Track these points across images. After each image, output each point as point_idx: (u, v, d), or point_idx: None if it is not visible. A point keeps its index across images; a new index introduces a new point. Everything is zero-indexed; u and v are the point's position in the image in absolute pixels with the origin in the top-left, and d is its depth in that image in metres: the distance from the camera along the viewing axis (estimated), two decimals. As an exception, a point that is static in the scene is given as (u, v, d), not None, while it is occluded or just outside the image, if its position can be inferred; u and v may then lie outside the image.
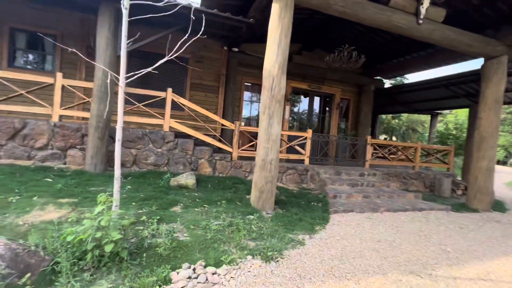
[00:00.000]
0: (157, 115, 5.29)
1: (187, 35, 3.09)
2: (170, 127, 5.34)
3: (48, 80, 4.67)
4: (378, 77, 9.85)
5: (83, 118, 5.48)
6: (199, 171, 5.49)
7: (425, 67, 8.42)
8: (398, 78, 17.20)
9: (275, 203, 4.26)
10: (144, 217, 3.00)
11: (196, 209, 3.63)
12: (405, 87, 9.57)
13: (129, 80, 2.78)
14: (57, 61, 6.19)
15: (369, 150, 6.96)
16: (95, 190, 3.76)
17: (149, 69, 2.91)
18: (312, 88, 8.48)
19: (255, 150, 4.35)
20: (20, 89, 4.57)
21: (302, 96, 9.24)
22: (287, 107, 8.10)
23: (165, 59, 2.95)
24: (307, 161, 6.34)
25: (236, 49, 7.51)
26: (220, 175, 5.63)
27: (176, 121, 5.38)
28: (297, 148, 6.30)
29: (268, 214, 3.87)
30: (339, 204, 4.66)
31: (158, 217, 3.09)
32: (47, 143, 4.63)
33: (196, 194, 4.25)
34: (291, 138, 6.75)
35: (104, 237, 2.18)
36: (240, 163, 5.76)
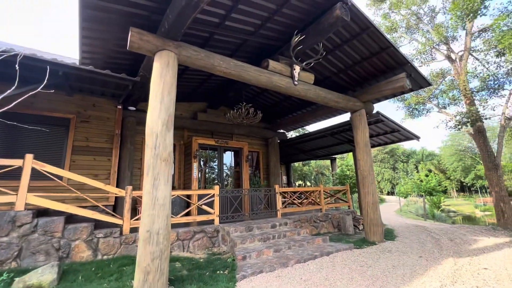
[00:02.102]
0: (7, 190, 3.98)
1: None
2: (27, 204, 4.06)
3: None
4: (280, 130, 10.93)
5: None
6: (71, 258, 4.18)
7: (313, 120, 9.88)
8: (301, 130, 19.83)
9: (171, 283, 3.47)
10: None
11: (39, 324, 2.50)
12: (303, 137, 10.85)
13: None
14: None
15: (279, 199, 7.08)
16: None
17: None
18: (219, 143, 8.54)
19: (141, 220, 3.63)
20: None
21: (214, 152, 9.16)
22: (195, 164, 7.73)
23: None
24: (217, 220, 5.83)
25: (133, 108, 7.04)
26: (105, 257, 4.43)
27: (38, 195, 4.16)
28: (205, 207, 5.79)
29: (156, 302, 3.04)
30: (247, 266, 4.20)
31: None
32: None
33: (52, 297, 3.04)
34: (201, 197, 6.23)
35: None
36: (134, 236, 4.75)
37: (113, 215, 4.76)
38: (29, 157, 4.19)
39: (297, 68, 5.63)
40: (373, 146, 9.50)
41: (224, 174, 9.05)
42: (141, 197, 5.10)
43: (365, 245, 5.87)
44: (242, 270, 4.02)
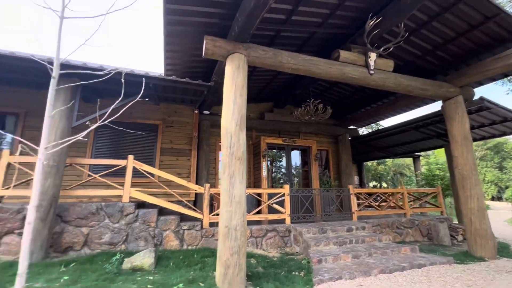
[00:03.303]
0: (115, 185, 4.84)
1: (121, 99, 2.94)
2: (131, 197, 4.84)
3: (-9, 158, 4.31)
4: (351, 126, 10.11)
5: (23, 197, 4.93)
6: (163, 246, 4.77)
7: (391, 113, 8.76)
8: (374, 125, 17.98)
9: (248, 278, 3.56)
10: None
11: (143, 301, 2.90)
12: (378, 133, 9.77)
13: (51, 151, 2.47)
14: (17, 138, 5.93)
15: (354, 200, 6.52)
16: (17, 289, 3.01)
17: (78, 136, 2.63)
18: (287, 142, 8.46)
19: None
20: (-43, 172, 4.14)
21: (282, 151, 9.17)
22: (264, 163, 7.86)
23: (94, 126, 2.71)
24: (288, 220, 5.76)
25: (207, 112, 7.64)
26: (189, 247, 4.90)
27: (138, 190, 4.92)
28: (276, 206, 5.80)
29: (236, 295, 3.15)
30: (324, 270, 3.96)
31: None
32: (-22, 231, 3.97)
33: (151, 278, 3.51)
34: (270, 196, 6.29)
35: None
36: (212, 231, 5.12)
37: (194, 210, 5.23)
38: (131, 158, 4.99)
39: (372, 56, 5.06)
40: (474, 140, 7.77)
41: (292, 174, 8.92)
42: (217, 194, 5.47)
43: (470, 261, 4.82)
44: (318, 274, 3.81)
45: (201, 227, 5.09)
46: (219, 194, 5.43)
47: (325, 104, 7.32)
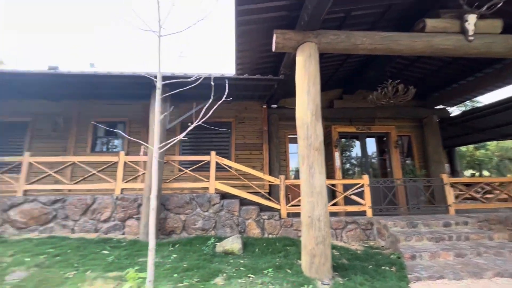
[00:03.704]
0: (203, 178, 5.46)
1: (221, 100, 3.25)
2: (216, 189, 5.39)
3: (113, 159, 5.44)
4: (439, 106, 8.69)
5: (141, 189, 6.00)
6: (247, 233, 5.16)
7: (496, 86, 7.12)
8: (468, 103, 14.98)
9: (334, 269, 3.53)
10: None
11: (239, 281, 3.22)
12: (478, 111, 8.10)
13: (163, 149, 2.95)
14: (125, 142, 7.33)
15: (449, 191, 5.64)
16: (142, 261, 3.76)
17: (180, 137, 3.06)
18: (360, 130, 7.89)
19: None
20: (93, 170, 5.39)
21: (354, 140, 8.63)
22: (337, 154, 7.54)
23: (191, 127, 3.10)
24: (369, 212, 5.42)
25: (275, 106, 7.77)
26: (270, 236, 5.16)
27: (221, 182, 5.43)
28: (354, 198, 5.53)
29: (324, 284, 3.17)
30: (420, 267, 3.59)
31: (196, 292, 2.80)
32: (110, 215, 5.09)
33: (242, 261, 3.86)
34: (347, 187, 6.04)
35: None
36: (290, 221, 5.24)
37: (272, 201, 5.45)
38: (213, 154, 5.54)
39: (471, 18, 4.20)
40: None
41: (368, 163, 8.29)
42: (292, 185, 5.55)
43: None
44: (413, 270, 3.49)
45: (279, 217, 5.27)
46: (294, 186, 5.52)
47: (405, 84, 6.49)
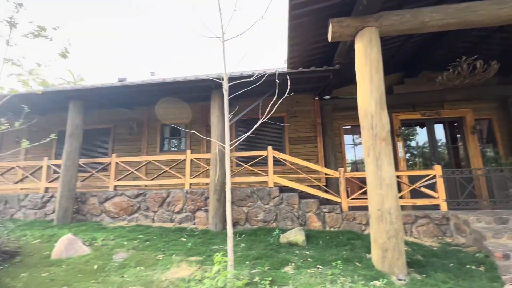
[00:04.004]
0: (261, 172, 5.68)
1: (275, 96, 3.37)
2: (274, 183, 5.55)
3: (181, 157, 6.04)
4: (530, 82, 7.27)
5: (206, 184, 6.54)
6: (307, 226, 5.20)
7: None
8: None
9: (408, 265, 3.35)
10: (257, 278, 2.97)
11: (308, 271, 3.31)
12: None
13: (233, 146, 3.19)
14: (188, 141, 8.03)
15: (551, 182, 4.75)
16: (216, 249, 4.14)
17: (248, 134, 3.26)
18: (427, 116, 7.13)
19: (368, 198, 3.78)
20: (165, 167, 6.08)
21: (418, 128, 7.86)
22: (400, 143, 6.98)
23: (258, 123, 3.26)
24: (444, 206, 4.92)
25: (327, 97, 7.56)
26: (331, 229, 5.11)
27: (279, 176, 5.57)
28: (424, 190, 5.08)
29: (400, 279, 3.04)
30: (517, 268, 3.15)
31: (270, 279, 2.98)
32: (182, 207, 5.70)
33: (307, 253, 3.94)
34: (413, 179, 5.59)
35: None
36: (353, 214, 5.10)
37: (331, 193, 5.37)
38: (270, 148, 5.71)
39: None
40: None
41: (437, 152, 7.46)
42: (351, 178, 5.38)
43: None
44: (508, 271, 3.08)
45: (341, 211, 5.17)
46: (353, 178, 5.35)
47: (484, 60, 5.62)
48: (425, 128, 7.59)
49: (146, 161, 6.35)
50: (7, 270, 3.41)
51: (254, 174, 5.93)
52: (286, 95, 3.51)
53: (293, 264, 3.52)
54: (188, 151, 6.03)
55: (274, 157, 5.68)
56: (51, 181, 6.51)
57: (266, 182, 5.65)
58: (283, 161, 5.80)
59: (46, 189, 6.49)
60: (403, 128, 7.24)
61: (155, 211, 5.77)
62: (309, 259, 3.67)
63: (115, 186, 6.20)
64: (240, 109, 6.11)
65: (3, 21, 4.88)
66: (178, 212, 5.68)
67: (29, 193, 6.44)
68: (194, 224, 5.58)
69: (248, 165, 5.76)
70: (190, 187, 5.89)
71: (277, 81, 3.50)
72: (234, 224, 5.46)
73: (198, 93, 6.43)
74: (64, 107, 6.52)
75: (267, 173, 5.62)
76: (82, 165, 6.27)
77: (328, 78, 5.69)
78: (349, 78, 6.68)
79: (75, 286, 3.01)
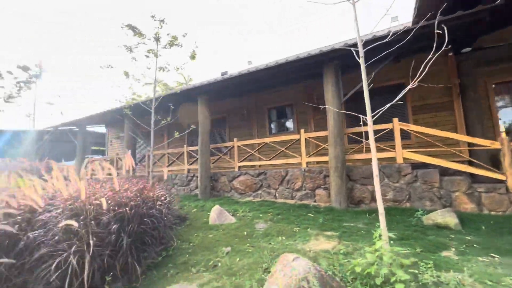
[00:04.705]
0: (387, 148, 5.12)
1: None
2: (404, 158, 4.91)
3: (295, 137, 6.18)
4: None
5: (318, 162, 6.49)
6: (454, 207, 4.38)
7: None
8: None
9: None
10: (413, 259, 2.71)
11: (479, 258, 2.77)
12: None
13: (375, 117, 2.94)
14: (295, 122, 8.15)
15: None
16: (348, 225, 4.07)
17: (393, 102, 2.92)
18: None
19: None
20: (281, 147, 6.39)
21: None
22: None
23: (408, 88, 2.86)
24: None
25: (467, 49, 5.94)
26: (491, 213, 4.11)
27: (409, 151, 4.87)
28: None
29: None
30: None
31: (431, 262, 2.66)
32: (301, 185, 5.88)
33: (468, 238, 3.32)
34: None
35: (388, 274, 2.16)
36: (527, 195, 3.92)
37: (490, 170, 4.28)
38: (395, 120, 5.04)
39: None
40: None
41: None
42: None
43: None
44: None
45: (507, 191, 4.07)
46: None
47: None
48: None
49: (263, 143, 6.84)
50: (184, 230, 4.45)
51: (380, 150, 5.41)
52: (438, 50, 2.90)
53: (453, 249, 3.04)
54: (302, 131, 6.09)
55: (401, 129, 4.99)
56: (190, 164, 8.02)
57: (391, 158, 5.07)
58: (415, 133, 5.01)
59: (188, 170, 8.06)
60: None
61: (276, 189, 6.21)
62: (474, 245, 3.08)
63: (239, 167, 7.02)
64: (349, 82, 5.62)
65: (151, 38, 6.17)
66: (298, 190, 5.91)
67: (177, 174, 8.18)
68: (315, 201, 5.67)
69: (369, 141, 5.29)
70: (307, 166, 5.99)
71: (438, 31, 2.93)
72: (358, 202, 5.22)
73: (307, 71, 6.31)
74: (188, 103, 7.82)
75: (392, 148, 5.02)
76: (212, 149, 7.39)
77: (483, 20, 4.40)
78: (501, 21, 5.02)
79: (235, 247, 3.60)
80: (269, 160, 6.59)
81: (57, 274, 2.29)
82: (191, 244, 3.84)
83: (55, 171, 2.63)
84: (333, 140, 5.23)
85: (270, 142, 6.68)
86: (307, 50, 8.55)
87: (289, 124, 8.49)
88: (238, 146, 7.09)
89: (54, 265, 2.30)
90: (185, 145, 8.31)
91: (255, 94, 8.81)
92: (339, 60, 5.40)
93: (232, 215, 4.88)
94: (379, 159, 5.66)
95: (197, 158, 7.65)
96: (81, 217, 2.67)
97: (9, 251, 2.65)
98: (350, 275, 2.42)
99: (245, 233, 4.05)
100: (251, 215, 4.83)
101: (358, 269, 2.32)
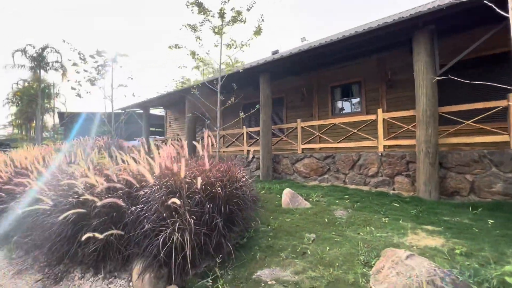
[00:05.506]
0: (496, 130, 4.21)
1: None
2: (523, 144, 3.98)
3: (371, 117, 5.53)
4: None
5: (401, 146, 5.76)
6: None
7: None
8: None
9: None
10: None
11: None
12: None
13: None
14: (363, 101, 7.38)
15: None
16: (449, 220, 3.50)
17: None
18: None
19: None
20: (352, 129, 5.83)
21: None
22: None
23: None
24: None
25: None
26: None
27: (531, 134, 3.92)
28: None
29: None
30: None
31: None
32: (377, 171, 5.32)
33: None
34: None
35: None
36: None
37: None
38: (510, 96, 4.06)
39: None
40: None
41: None
42: None
43: None
44: None
45: None
46: None
47: None
48: None
49: (331, 123, 6.35)
50: (259, 212, 4.37)
51: (479, 133, 4.54)
52: None
53: None
54: (379, 110, 5.40)
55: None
56: (250, 145, 7.96)
57: (503, 143, 4.16)
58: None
59: (248, 152, 8.03)
60: None
61: (345, 173, 5.76)
62: None
63: (303, 149, 6.69)
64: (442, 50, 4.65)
65: (215, 14, 5.97)
66: (372, 176, 5.37)
67: (237, 154, 8.23)
68: (394, 189, 5.09)
69: (471, 122, 4.42)
70: (384, 150, 5.37)
71: None
72: (452, 193, 4.50)
73: (373, 45, 5.51)
74: (247, 84, 7.57)
75: (505, 130, 4.10)
76: (272, 131, 7.16)
77: None
78: None
79: (319, 234, 3.36)
80: (338, 142, 6.10)
81: (164, 249, 2.33)
82: (269, 227, 3.73)
83: (153, 149, 2.64)
84: (425, 120, 4.49)
85: (339, 123, 6.14)
86: (363, 24, 7.50)
87: (359, 103, 7.71)
88: (302, 127, 6.71)
89: (161, 240, 2.35)
90: (244, 126, 8.25)
91: (316, 72, 8.17)
92: (436, 24, 4.49)
93: (305, 200, 4.64)
94: (484, 144, 4.76)
95: (257, 140, 7.53)
96: (177, 195, 2.68)
97: (117, 222, 2.82)
98: (498, 285, 1.97)
99: (325, 220, 3.78)
100: (325, 201, 4.52)
101: (509, 279, 1.86)
